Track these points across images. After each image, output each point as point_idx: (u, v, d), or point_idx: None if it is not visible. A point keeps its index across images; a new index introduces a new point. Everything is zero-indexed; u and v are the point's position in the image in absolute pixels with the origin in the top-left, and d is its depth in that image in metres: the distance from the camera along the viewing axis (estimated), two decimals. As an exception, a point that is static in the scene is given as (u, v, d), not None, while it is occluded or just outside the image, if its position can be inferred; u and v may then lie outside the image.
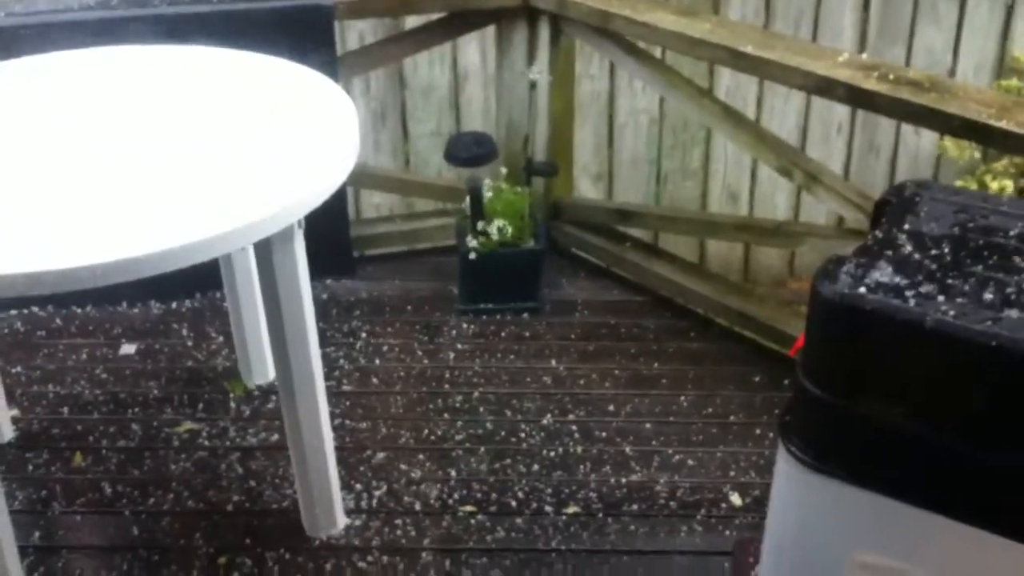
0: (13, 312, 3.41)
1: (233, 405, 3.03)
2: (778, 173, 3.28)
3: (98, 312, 3.43)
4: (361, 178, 3.70)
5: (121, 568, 2.51)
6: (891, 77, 2.73)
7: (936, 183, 1.97)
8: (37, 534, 2.61)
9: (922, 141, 4.67)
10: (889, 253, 1.75)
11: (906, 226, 1.82)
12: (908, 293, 1.64)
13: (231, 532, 2.61)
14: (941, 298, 1.62)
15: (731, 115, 3.36)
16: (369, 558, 2.53)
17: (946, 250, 1.75)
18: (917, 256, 1.74)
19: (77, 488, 2.74)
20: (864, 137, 4.64)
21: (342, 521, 2.61)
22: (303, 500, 2.56)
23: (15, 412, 2.99)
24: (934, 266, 1.71)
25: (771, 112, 4.50)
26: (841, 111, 4.53)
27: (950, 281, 1.67)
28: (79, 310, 3.43)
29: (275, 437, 2.89)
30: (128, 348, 3.28)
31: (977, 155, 4.51)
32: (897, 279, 1.68)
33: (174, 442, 2.90)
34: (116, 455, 2.85)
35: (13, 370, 3.15)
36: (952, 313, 1.59)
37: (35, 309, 3.42)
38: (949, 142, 4.47)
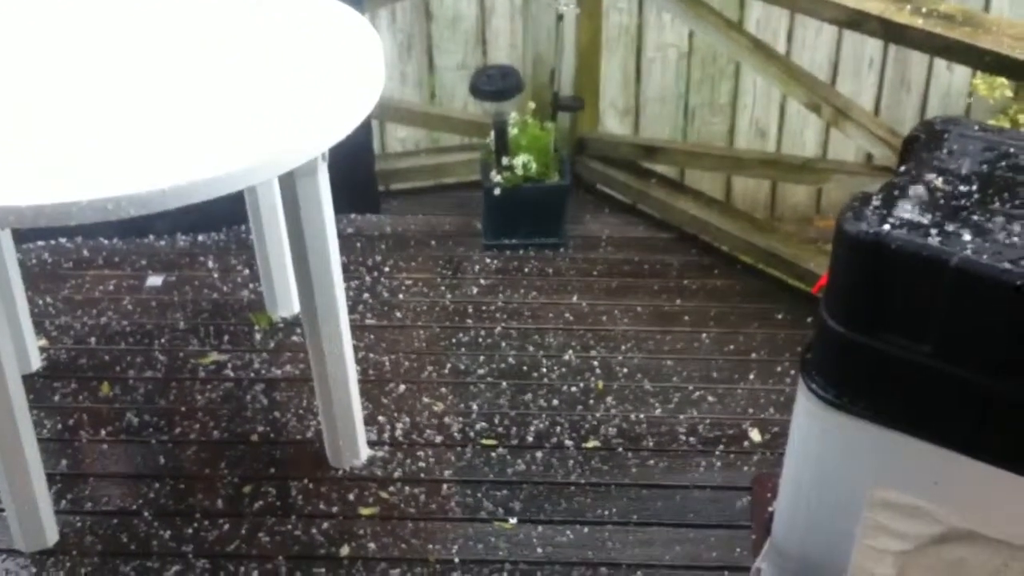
0: (40, 243, 3.43)
1: (258, 337, 3.06)
2: (807, 108, 3.25)
3: (124, 244, 3.46)
4: (386, 111, 3.69)
5: (147, 496, 2.55)
6: (924, 10, 2.68)
7: (966, 119, 1.94)
8: (64, 462, 2.65)
9: (954, 78, 4.59)
10: (916, 190, 1.73)
11: (934, 163, 1.79)
12: (934, 231, 1.62)
13: (256, 462, 2.65)
14: (967, 236, 1.61)
15: (761, 49, 3.32)
16: (391, 489, 2.56)
17: (974, 188, 1.73)
18: (944, 194, 1.72)
19: (104, 417, 2.78)
20: (896, 73, 4.57)
21: (365, 452, 2.64)
22: (327, 431, 2.59)
23: (43, 342, 3.03)
24: (961, 204, 1.69)
25: (801, 46, 4.42)
26: (873, 45, 4.45)
27: (977, 219, 1.65)
28: (106, 242, 3.45)
29: (299, 369, 2.91)
30: (155, 280, 3.31)
31: (1009, 94, 4.44)
32: (923, 217, 1.66)
33: (200, 373, 2.93)
34: (142, 385, 2.89)
35: (40, 301, 3.19)
36: (977, 252, 1.57)
37: (62, 240, 3.45)
38: (980, 80, 4.40)
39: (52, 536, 2.43)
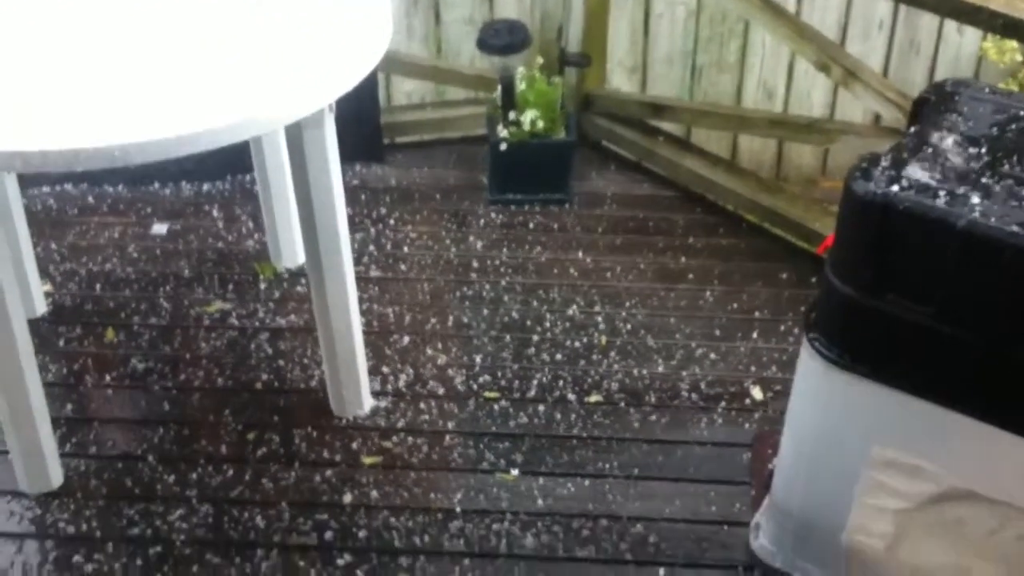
0: (46, 189, 3.43)
1: (263, 287, 3.07)
2: (816, 68, 3.23)
3: (130, 191, 3.46)
4: (392, 64, 3.66)
5: (152, 441, 2.57)
6: (937, -28, 2.67)
7: (976, 82, 1.94)
8: (69, 406, 2.67)
9: (964, 41, 4.57)
10: (925, 152, 1.73)
11: (944, 125, 1.79)
12: (942, 193, 1.63)
13: (260, 409, 2.66)
14: (975, 199, 1.61)
15: (770, 7, 3.29)
16: (394, 439, 2.58)
17: (983, 150, 1.73)
18: (953, 156, 1.72)
19: (109, 363, 2.80)
20: (905, 34, 4.54)
21: (368, 403, 2.66)
22: (330, 381, 2.61)
23: (48, 287, 3.04)
24: (970, 166, 1.70)
25: (812, 5, 4.40)
26: (883, 6, 4.42)
27: (985, 182, 1.66)
28: (111, 189, 3.45)
29: (303, 319, 2.92)
30: (159, 228, 3.31)
31: (1019, 58, 4.42)
32: (931, 179, 1.67)
33: (204, 321, 2.94)
34: (147, 332, 2.90)
35: (46, 246, 3.19)
36: (985, 215, 1.58)
37: (67, 187, 3.45)
38: (990, 44, 4.37)
39: (57, 479, 2.45)
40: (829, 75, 3.19)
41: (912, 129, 1.82)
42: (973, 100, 1.86)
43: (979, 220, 1.57)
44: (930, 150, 1.73)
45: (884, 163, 1.70)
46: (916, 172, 1.68)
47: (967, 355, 1.66)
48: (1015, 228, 1.55)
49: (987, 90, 1.90)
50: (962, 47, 4.60)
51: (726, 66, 4.48)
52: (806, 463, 1.97)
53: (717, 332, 2.92)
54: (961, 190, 1.63)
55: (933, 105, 1.86)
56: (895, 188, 1.64)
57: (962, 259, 1.60)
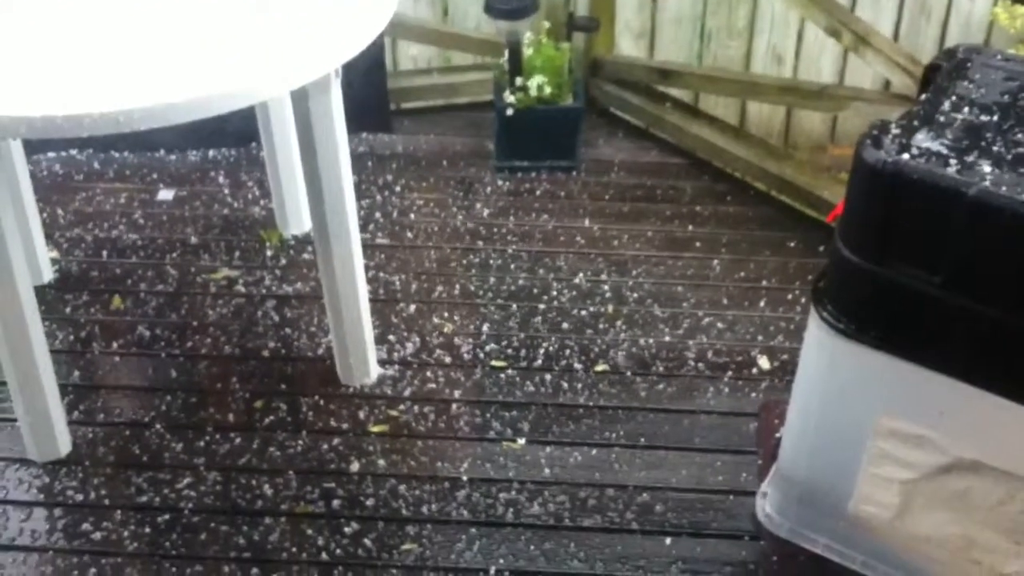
0: (51, 155, 3.42)
1: (269, 254, 3.06)
2: (826, 34, 3.20)
3: (136, 158, 3.45)
4: (399, 29, 3.64)
5: (159, 408, 2.58)
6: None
7: (988, 48, 1.92)
8: (77, 374, 2.68)
9: (975, 7, 4.52)
10: (936, 120, 1.71)
11: (955, 92, 1.77)
12: (952, 161, 1.61)
13: (267, 377, 2.67)
14: (986, 167, 1.60)
15: (780, -28, 3.26)
16: (401, 407, 2.58)
17: (995, 118, 1.71)
18: (964, 123, 1.70)
19: (115, 330, 2.80)
20: (916, 0, 4.49)
21: (375, 371, 2.66)
22: (337, 349, 2.61)
23: (54, 254, 3.03)
24: (981, 134, 1.68)
25: (821, -29, 4.35)
26: (894, -29, 4.38)
27: (996, 149, 1.64)
28: (117, 155, 3.44)
29: (310, 287, 2.92)
30: (166, 194, 3.30)
31: (1031, 22, 4.36)
32: (942, 147, 1.65)
33: (211, 288, 2.94)
34: (154, 299, 2.90)
35: (52, 212, 3.19)
36: (996, 183, 1.56)
37: (73, 152, 3.44)
38: (1001, 9, 4.32)
39: (65, 446, 2.46)
40: (839, 40, 3.17)
41: (923, 96, 1.80)
42: (985, 67, 1.84)
43: (990, 189, 1.55)
44: (941, 118, 1.71)
45: (894, 131, 1.68)
46: (927, 140, 1.66)
47: (976, 325, 1.65)
48: (1026, 197, 1.54)
49: (999, 56, 1.87)
50: (973, 13, 4.54)
51: (735, 31, 4.44)
52: (813, 433, 1.96)
53: (724, 301, 2.91)
54: (972, 158, 1.61)
55: (944, 72, 1.84)
56: (905, 156, 1.62)
57: (972, 228, 1.59)
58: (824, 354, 1.86)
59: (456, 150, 3.54)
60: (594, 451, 2.48)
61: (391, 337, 2.78)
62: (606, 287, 2.96)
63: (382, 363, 2.69)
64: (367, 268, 2.76)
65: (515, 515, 2.33)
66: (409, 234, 3.16)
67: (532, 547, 2.26)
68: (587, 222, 3.21)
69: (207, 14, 2.14)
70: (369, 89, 3.45)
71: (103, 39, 2.07)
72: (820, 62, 4.55)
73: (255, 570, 2.21)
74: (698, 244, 3.13)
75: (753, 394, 2.63)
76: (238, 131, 3.37)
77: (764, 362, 2.72)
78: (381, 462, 2.45)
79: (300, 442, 2.49)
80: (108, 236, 3.12)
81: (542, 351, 2.74)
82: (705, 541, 2.28)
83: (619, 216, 3.24)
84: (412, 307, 2.88)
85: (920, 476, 1.84)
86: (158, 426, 2.53)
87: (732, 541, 2.28)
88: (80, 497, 2.36)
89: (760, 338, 2.79)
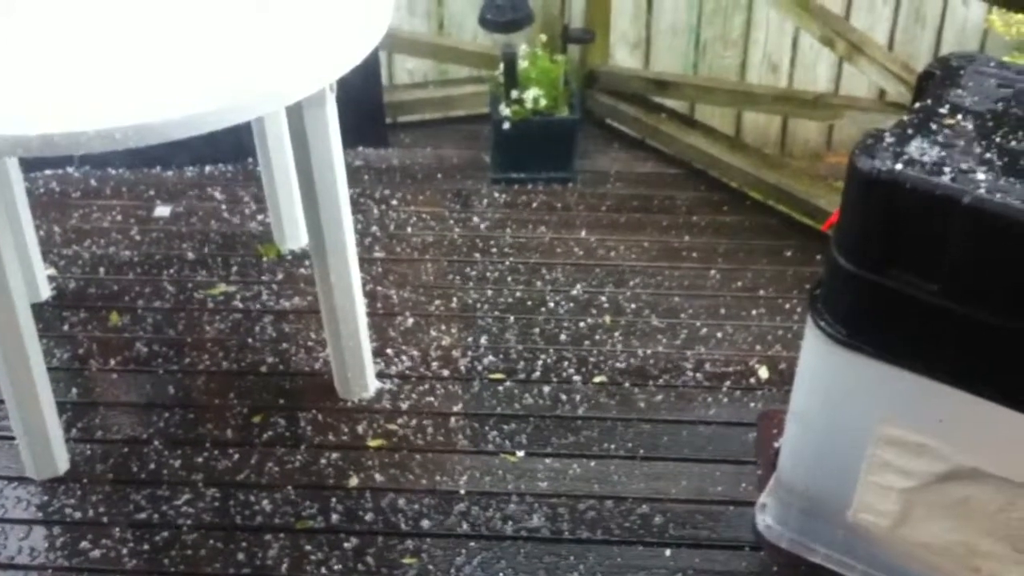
0: (48, 172, 3.43)
1: (266, 269, 3.06)
2: (821, 43, 3.21)
3: (132, 174, 3.45)
4: (394, 42, 3.65)
5: (157, 425, 2.57)
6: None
7: (982, 56, 1.92)
8: (75, 391, 2.67)
9: (970, 13, 4.53)
10: (930, 128, 1.72)
11: (949, 100, 1.78)
12: (947, 169, 1.61)
13: (265, 392, 2.66)
14: (981, 175, 1.60)
15: (774, -19, 3.27)
16: (399, 421, 2.58)
17: (989, 125, 1.72)
18: (959, 131, 1.71)
19: (113, 347, 2.80)
20: (911, 6, 4.50)
21: (373, 385, 2.66)
22: (335, 363, 2.60)
23: (51, 271, 3.03)
24: (975, 141, 1.68)
25: (815, -22, 4.36)
26: (888, -22, 4.39)
27: (990, 157, 1.64)
28: (113, 172, 3.44)
29: (307, 301, 2.92)
30: (162, 210, 3.30)
31: (1025, 29, 4.38)
32: (937, 155, 1.65)
33: (208, 304, 2.94)
34: (151, 315, 2.90)
35: (48, 229, 3.19)
36: (991, 191, 1.56)
37: (70, 170, 3.44)
38: (996, 16, 4.33)
39: (63, 464, 2.45)
40: (834, 49, 3.17)
41: (917, 104, 1.81)
42: (978, 74, 1.84)
43: (985, 196, 1.56)
44: (935, 125, 1.72)
45: (888, 139, 1.69)
46: (921, 148, 1.67)
47: (973, 332, 1.65)
48: (1021, 204, 1.54)
49: (992, 64, 1.88)
50: (968, 19, 4.56)
51: (730, 41, 4.45)
52: (812, 442, 1.96)
53: (722, 311, 2.91)
54: (966, 165, 1.62)
55: (938, 79, 1.85)
56: (900, 164, 1.63)
57: (968, 235, 1.59)
58: (822, 362, 1.86)
59: (452, 163, 3.54)
60: (593, 463, 2.48)
61: (389, 350, 2.77)
62: (603, 298, 2.96)
63: (380, 377, 2.69)
64: (364, 282, 2.76)
65: (514, 528, 2.32)
66: (406, 247, 3.16)
67: (532, 560, 2.25)
68: (584, 233, 3.21)
69: (201, 29, 2.14)
70: (365, 103, 3.45)
71: (98, 55, 2.07)
72: (816, 70, 4.56)
73: (254, 586, 2.21)
74: (695, 254, 3.13)
75: (752, 404, 2.63)
76: (234, 146, 3.37)
77: (762, 371, 2.72)
78: (379, 476, 2.44)
79: (299, 457, 2.49)
80: (105, 253, 3.12)
81: (540, 363, 2.74)
82: (705, 552, 2.27)
83: (616, 227, 3.24)
84: (410, 320, 2.88)
85: (919, 484, 1.83)
86: (156, 442, 2.53)
87: (732, 552, 2.27)
88: (79, 515, 2.36)
89: (758, 347, 2.79)
